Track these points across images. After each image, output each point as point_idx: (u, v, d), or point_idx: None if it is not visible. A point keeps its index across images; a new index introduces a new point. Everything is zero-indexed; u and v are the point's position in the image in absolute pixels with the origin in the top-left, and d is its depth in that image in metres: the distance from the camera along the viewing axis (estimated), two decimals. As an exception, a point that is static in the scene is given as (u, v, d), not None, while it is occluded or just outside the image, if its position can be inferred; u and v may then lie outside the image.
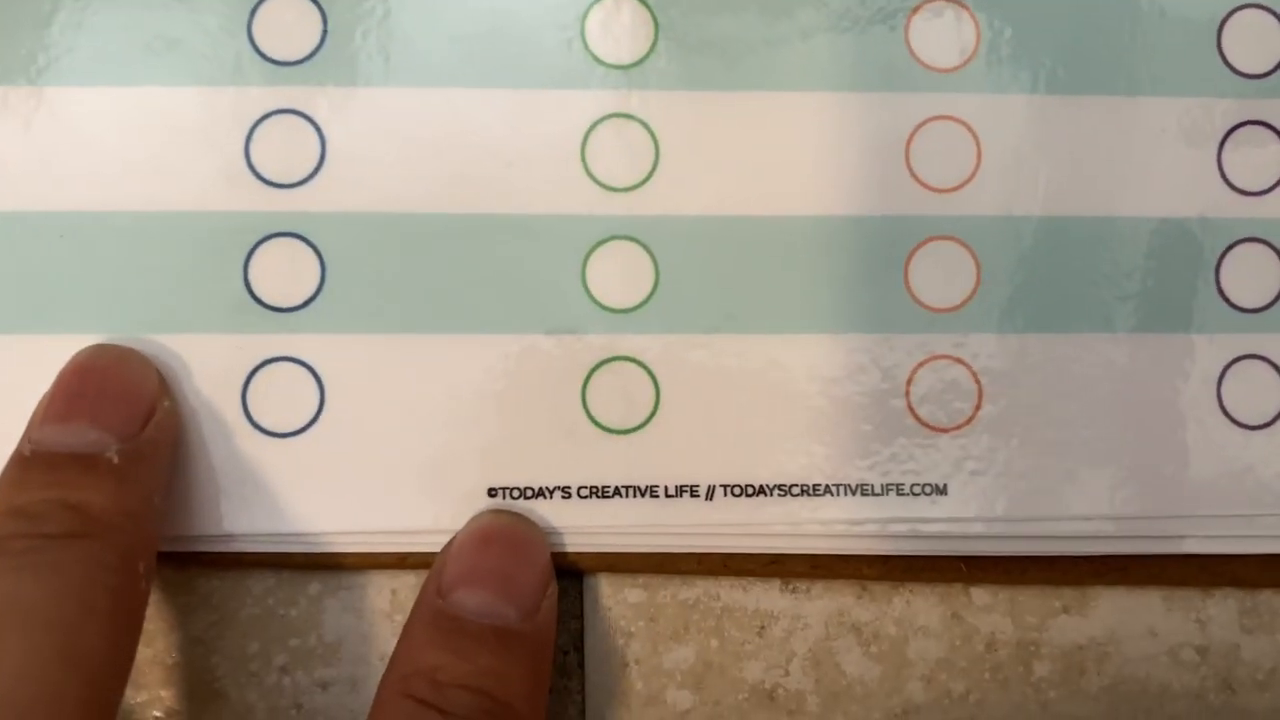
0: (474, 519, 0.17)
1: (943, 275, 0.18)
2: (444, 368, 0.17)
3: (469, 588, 0.16)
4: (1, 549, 0.14)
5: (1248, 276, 0.18)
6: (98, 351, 0.17)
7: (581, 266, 0.18)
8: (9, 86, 0.17)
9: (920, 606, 0.19)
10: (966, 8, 0.18)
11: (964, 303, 0.18)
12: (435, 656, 0.15)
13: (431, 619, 0.16)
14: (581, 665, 0.18)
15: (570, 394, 0.17)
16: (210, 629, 0.18)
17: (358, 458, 0.17)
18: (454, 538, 0.17)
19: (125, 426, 0.16)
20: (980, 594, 0.19)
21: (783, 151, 0.18)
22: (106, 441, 0.15)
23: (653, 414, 0.18)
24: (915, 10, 0.18)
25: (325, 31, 0.18)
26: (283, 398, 0.17)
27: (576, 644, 0.18)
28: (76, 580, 0.14)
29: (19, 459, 0.15)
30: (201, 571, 0.18)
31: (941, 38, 0.18)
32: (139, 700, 0.18)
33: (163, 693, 0.18)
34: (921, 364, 0.18)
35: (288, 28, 0.18)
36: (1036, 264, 0.18)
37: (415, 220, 0.17)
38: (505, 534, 0.17)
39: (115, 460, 0.15)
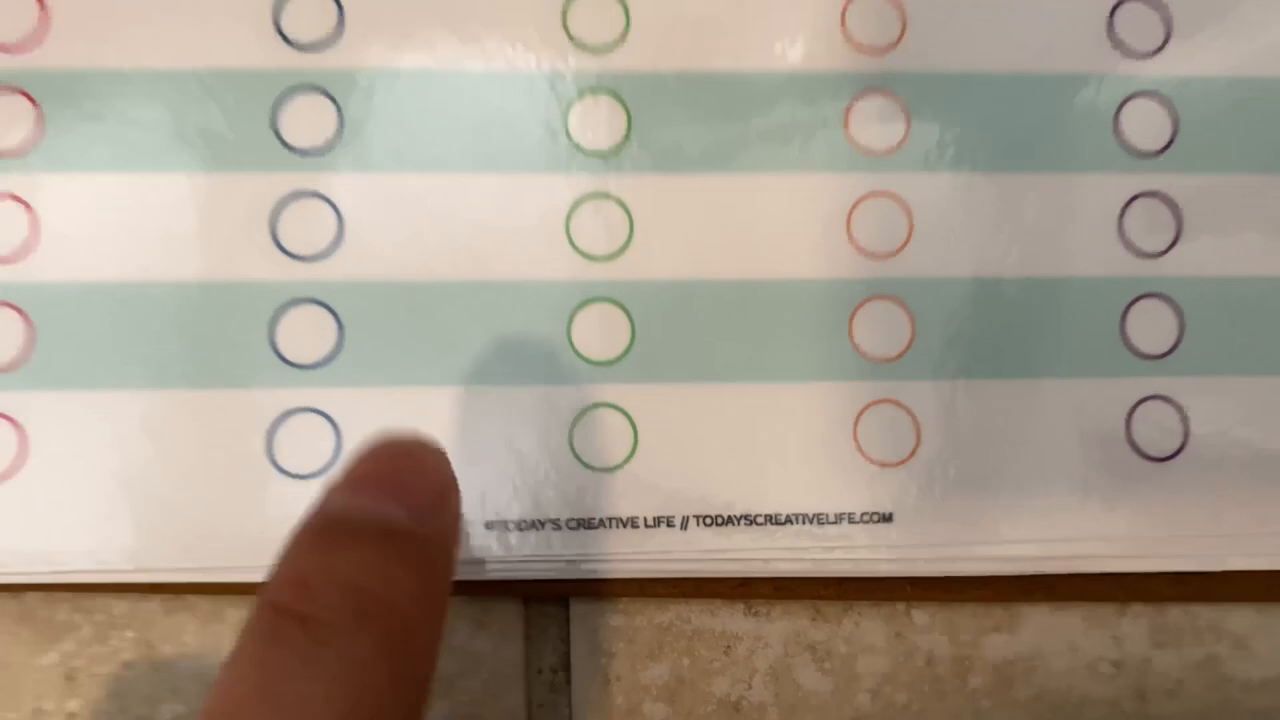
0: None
1: (882, 330, 0.21)
2: (447, 415, 0.20)
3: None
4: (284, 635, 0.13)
5: (1149, 326, 0.21)
6: (395, 437, 0.15)
7: (567, 325, 0.20)
8: (68, 173, 0.20)
9: (867, 627, 0.21)
10: (897, 98, 0.21)
11: (901, 354, 0.21)
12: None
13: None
14: (569, 682, 0.21)
15: (559, 436, 0.20)
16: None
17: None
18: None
19: (428, 510, 0.14)
20: (920, 615, 0.21)
21: (741, 224, 0.20)
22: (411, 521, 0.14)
23: (632, 453, 0.20)
24: (853, 102, 0.21)
25: (341, 124, 0.20)
26: (304, 444, 0.20)
27: (564, 663, 0.21)
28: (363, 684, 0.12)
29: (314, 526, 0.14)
30: (224, 600, 0.20)
31: (875, 126, 0.21)
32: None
33: None
34: (866, 408, 0.20)
35: (308, 121, 0.20)
36: (965, 319, 0.21)
37: (421, 287, 0.20)
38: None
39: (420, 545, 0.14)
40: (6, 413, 0.19)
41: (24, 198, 0.20)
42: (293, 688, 0.12)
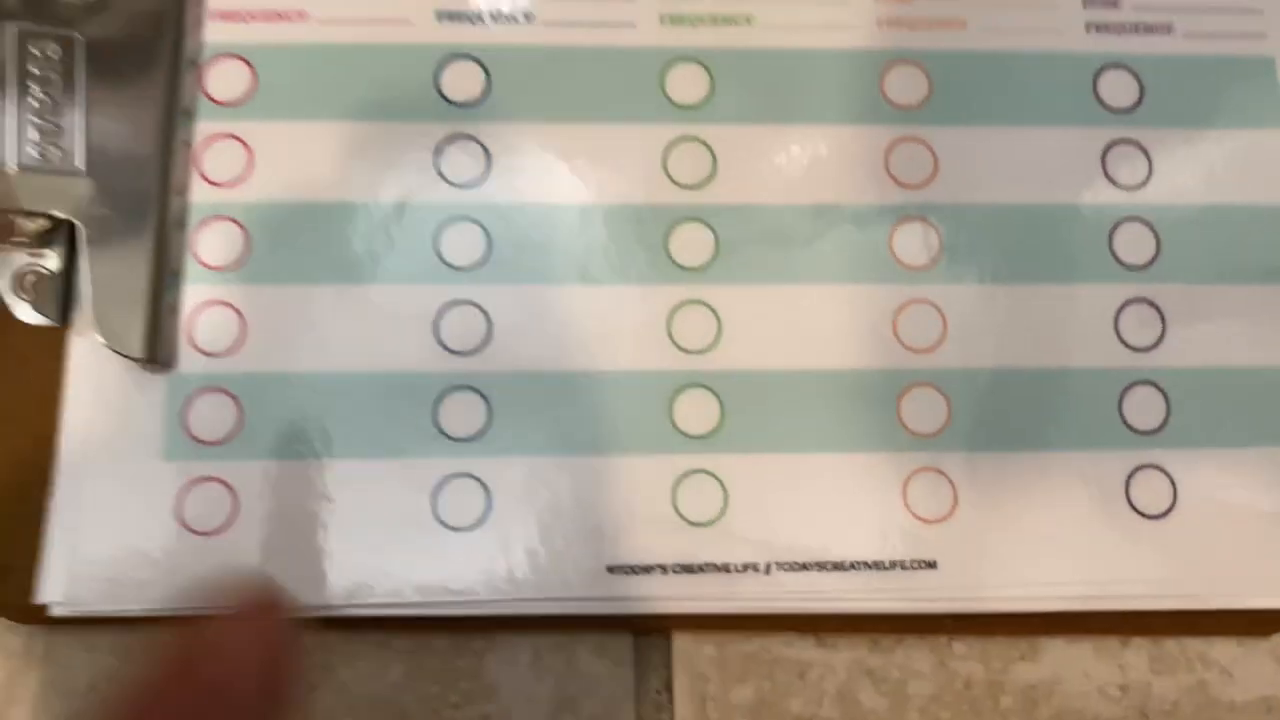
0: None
1: (924, 411, 0.25)
2: (575, 480, 0.24)
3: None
4: None
5: (1142, 407, 0.26)
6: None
7: (669, 406, 0.25)
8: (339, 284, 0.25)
9: (916, 656, 0.25)
10: (932, 224, 0.26)
11: (940, 430, 0.25)
12: None
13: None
14: (672, 701, 0.25)
15: (663, 496, 0.25)
16: (403, 676, 0.25)
17: (509, 546, 0.24)
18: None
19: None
20: (959, 646, 0.25)
21: (809, 325, 0.25)
22: None
23: (724, 511, 0.25)
24: (895, 227, 0.26)
25: (490, 244, 0.25)
26: (461, 502, 0.24)
27: (668, 685, 0.25)
28: None
29: None
30: (394, 633, 0.25)
31: (914, 244, 0.26)
32: (352, 728, 0.24)
33: (369, 723, 0.24)
34: (913, 474, 0.25)
35: (464, 243, 0.25)
36: (991, 402, 0.25)
37: (554, 376, 0.25)
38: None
39: None
40: (221, 477, 0.24)
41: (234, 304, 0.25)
42: None
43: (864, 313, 0.26)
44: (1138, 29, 0.28)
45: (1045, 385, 0.26)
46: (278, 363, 0.24)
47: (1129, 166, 0.27)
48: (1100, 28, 0.27)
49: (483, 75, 0.26)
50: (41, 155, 0.23)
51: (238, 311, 0.25)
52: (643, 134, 0.26)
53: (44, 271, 0.24)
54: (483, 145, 0.26)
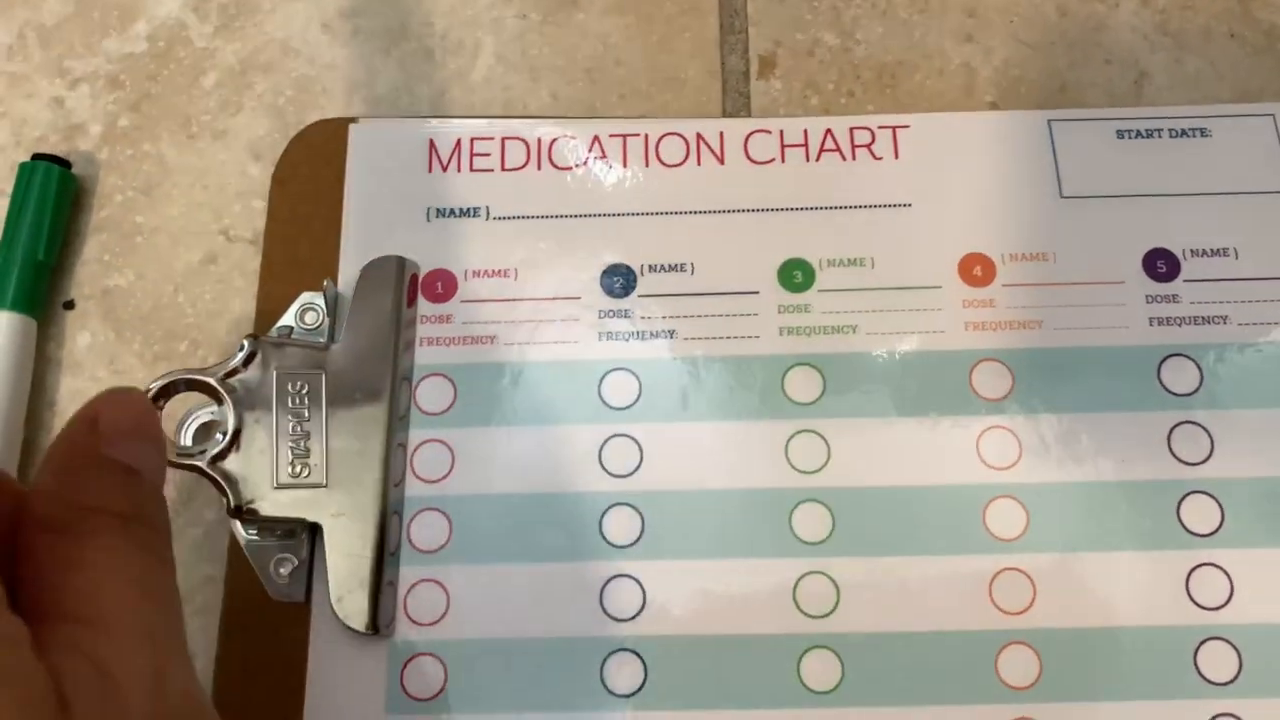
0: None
1: (1019, 666, 0.30)
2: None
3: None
4: None
5: (1214, 661, 0.29)
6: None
7: (796, 667, 0.30)
8: (528, 564, 0.31)
9: None
10: (1018, 500, 0.31)
11: (1033, 684, 0.30)
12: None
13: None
14: None
15: (795, 746, 0.29)
16: None
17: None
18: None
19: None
20: None
21: (917, 592, 0.30)
22: None
23: (845, 758, 0.29)
24: (988, 505, 0.31)
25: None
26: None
27: None
28: None
29: None
30: None
31: (1005, 514, 0.31)
32: None
33: None
34: (1009, 723, 0.29)
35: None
36: (1079, 660, 0.30)
37: (707, 640, 0.30)
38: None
39: None
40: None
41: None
42: None
43: (962, 580, 0.30)
44: (1196, 321, 0.32)
45: (1120, 641, 0.29)
46: (477, 630, 0.30)
47: (1191, 445, 0.31)
48: (1162, 321, 0.32)
49: (636, 384, 0.32)
50: (294, 475, 0.30)
51: (443, 587, 0.31)
52: (768, 428, 0.31)
53: (293, 561, 0.30)
54: (636, 441, 0.31)
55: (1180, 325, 0.32)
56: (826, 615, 0.30)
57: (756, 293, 0.33)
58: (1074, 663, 0.29)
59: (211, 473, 0.29)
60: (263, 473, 0.30)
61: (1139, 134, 0.34)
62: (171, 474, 0.31)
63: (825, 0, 0.37)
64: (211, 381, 0.30)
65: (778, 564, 0.30)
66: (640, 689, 0.30)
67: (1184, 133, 0.34)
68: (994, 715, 0.29)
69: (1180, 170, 0.33)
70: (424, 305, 0.33)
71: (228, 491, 0.29)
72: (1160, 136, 0.34)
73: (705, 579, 0.30)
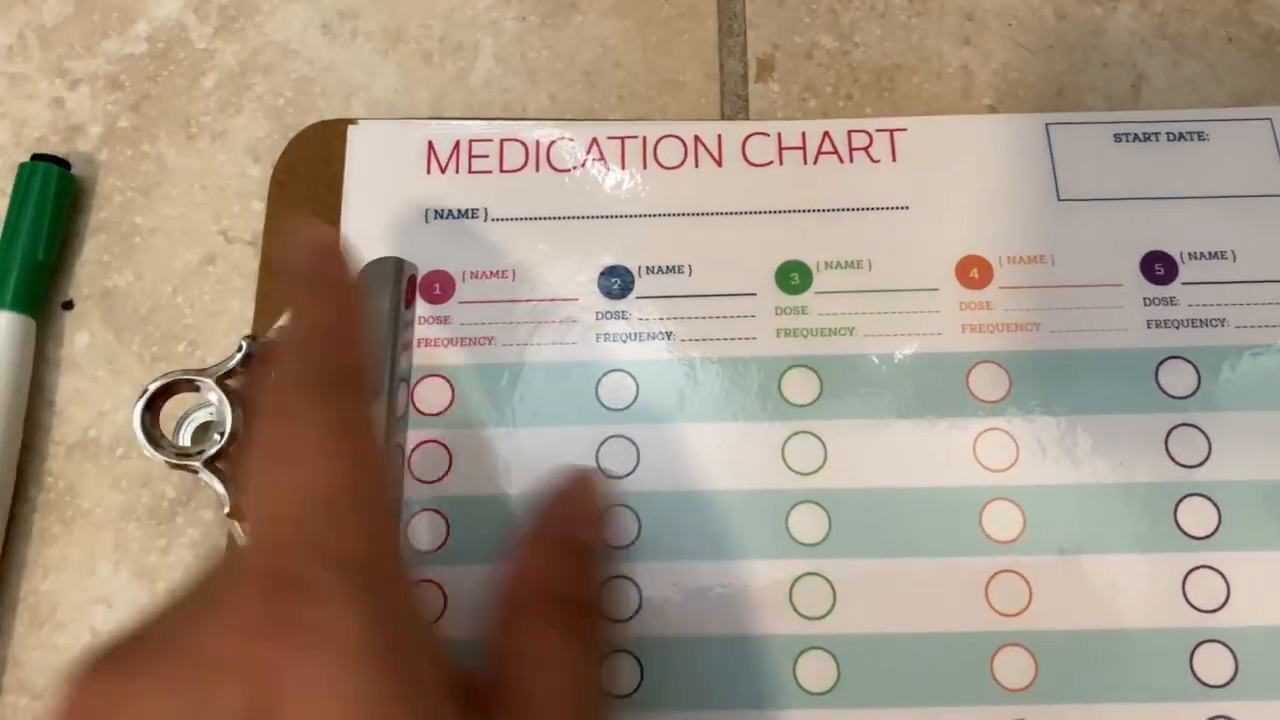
0: None
1: (1014, 668, 0.30)
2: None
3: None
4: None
5: (1209, 664, 0.29)
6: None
7: (793, 667, 0.30)
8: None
9: None
10: (1014, 502, 0.31)
11: (1029, 685, 0.30)
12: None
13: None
14: None
15: (791, 747, 0.29)
16: None
17: None
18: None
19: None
20: None
21: (913, 594, 0.30)
22: None
23: (842, 759, 0.29)
24: (984, 507, 0.31)
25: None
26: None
27: None
28: None
29: None
30: None
31: (1001, 518, 0.31)
32: None
33: None
34: (1005, 724, 0.29)
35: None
36: (1073, 661, 0.30)
37: (700, 640, 0.30)
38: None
39: None
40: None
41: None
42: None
43: (958, 582, 0.30)
44: (1194, 324, 0.32)
45: (1117, 643, 0.29)
46: (474, 631, 0.30)
47: (1189, 447, 0.31)
48: (1159, 324, 0.32)
49: (633, 385, 0.32)
50: (294, 473, 0.30)
51: (440, 588, 0.31)
52: (765, 430, 0.31)
53: (291, 559, 0.30)
54: (633, 442, 0.31)
55: (1178, 328, 0.32)
56: (823, 616, 0.30)
57: (754, 294, 0.33)
58: (1070, 664, 0.29)
59: (210, 473, 0.29)
60: (260, 473, 0.30)
61: (1137, 137, 0.34)
62: (169, 474, 0.32)
63: (823, 3, 0.37)
64: (210, 382, 0.30)
65: (774, 565, 0.30)
66: (637, 689, 0.30)
67: (1182, 136, 0.34)
68: (990, 716, 0.29)
69: (1178, 173, 0.34)
70: (422, 306, 0.33)
71: (225, 492, 0.29)
72: (1158, 140, 0.34)
73: (702, 580, 0.30)
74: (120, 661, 0.19)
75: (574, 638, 0.25)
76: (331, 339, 0.24)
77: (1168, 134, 0.34)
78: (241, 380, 0.30)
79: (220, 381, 0.30)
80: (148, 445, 0.29)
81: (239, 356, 0.30)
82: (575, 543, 0.28)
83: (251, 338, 0.30)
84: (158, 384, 0.30)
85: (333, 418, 0.22)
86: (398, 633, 0.20)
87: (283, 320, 0.32)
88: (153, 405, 0.29)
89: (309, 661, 0.18)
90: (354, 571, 0.20)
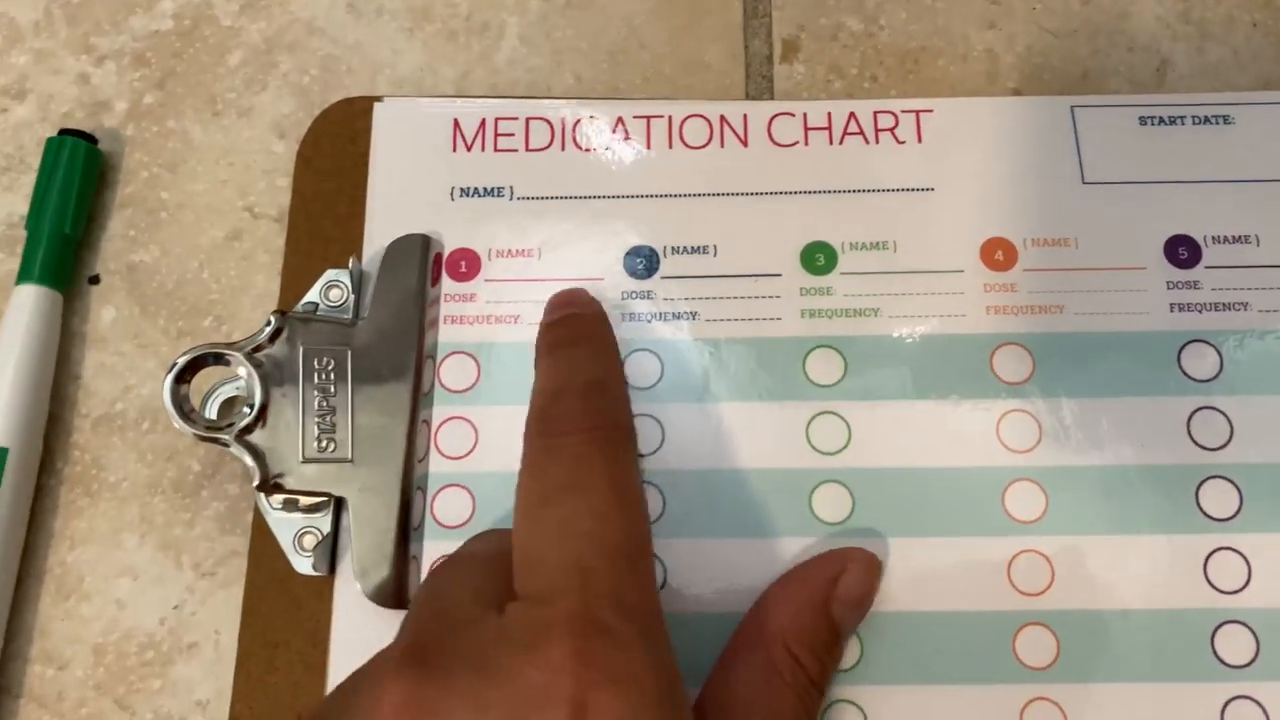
0: None
1: (1035, 649, 0.30)
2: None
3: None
4: None
5: (1231, 644, 0.30)
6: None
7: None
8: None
9: None
10: (1039, 485, 0.31)
11: (1050, 664, 0.30)
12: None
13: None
14: None
15: (814, 723, 0.29)
16: None
17: None
18: None
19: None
20: None
21: (933, 570, 0.30)
22: None
23: (864, 736, 0.29)
24: (1007, 487, 0.31)
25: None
26: None
27: None
28: None
29: None
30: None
31: (1024, 501, 0.31)
32: None
33: None
34: (1028, 704, 0.29)
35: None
36: (1096, 641, 0.30)
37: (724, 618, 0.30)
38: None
39: None
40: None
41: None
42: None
43: (981, 562, 0.30)
44: (1217, 307, 0.32)
45: (1149, 623, 0.30)
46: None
47: (1211, 430, 0.31)
48: (1183, 307, 0.32)
49: (658, 364, 0.32)
50: (320, 449, 0.30)
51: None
52: (789, 410, 0.32)
53: (317, 533, 0.31)
54: (658, 421, 0.32)
55: (1201, 311, 0.32)
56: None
57: (779, 275, 0.33)
58: (1092, 644, 0.30)
59: (240, 446, 0.29)
60: (290, 447, 0.30)
61: (1162, 120, 0.34)
62: (194, 448, 0.32)
63: (849, -15, 0.37)
64: (240, 355, 0.30)
65: (797, 543, 0.30)
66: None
67: (1207, 120, 0.34)
68: (1011, 695, 0.29)
69: (1203, 157, 0.34)
70: (448, 284, 0.33)
71: (255, 465, 0.29)
72: (1183, 123, 0.34)
73: (725, 557, 0.31)
74: (433, 672, 0.22)
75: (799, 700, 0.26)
76: (610, 396, 0.28)
77: (1193, 117, 0.34)
78: (270, 354, 0.30)
79: (250, 355, 0.30)
80: (178, 417, 0.29)
81: (268, 331, 0.30)
82: (830, 617, 0.28)
83: (280, 313, 0.31)
84: (188, 356, 0.30)
85: (618, 473, 0.26)
86: (674, 682, 0.23)
87: (309, 295, 0.32)
88: (182, 378, 0.30)
89: (615, 700, 0.21)
90: (643, 623, 0.23)
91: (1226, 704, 0.29)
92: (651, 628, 0.23)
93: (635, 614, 0.23)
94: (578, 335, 0.30)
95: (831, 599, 0.28)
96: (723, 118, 0.35)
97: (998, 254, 0.33)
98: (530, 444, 0.27)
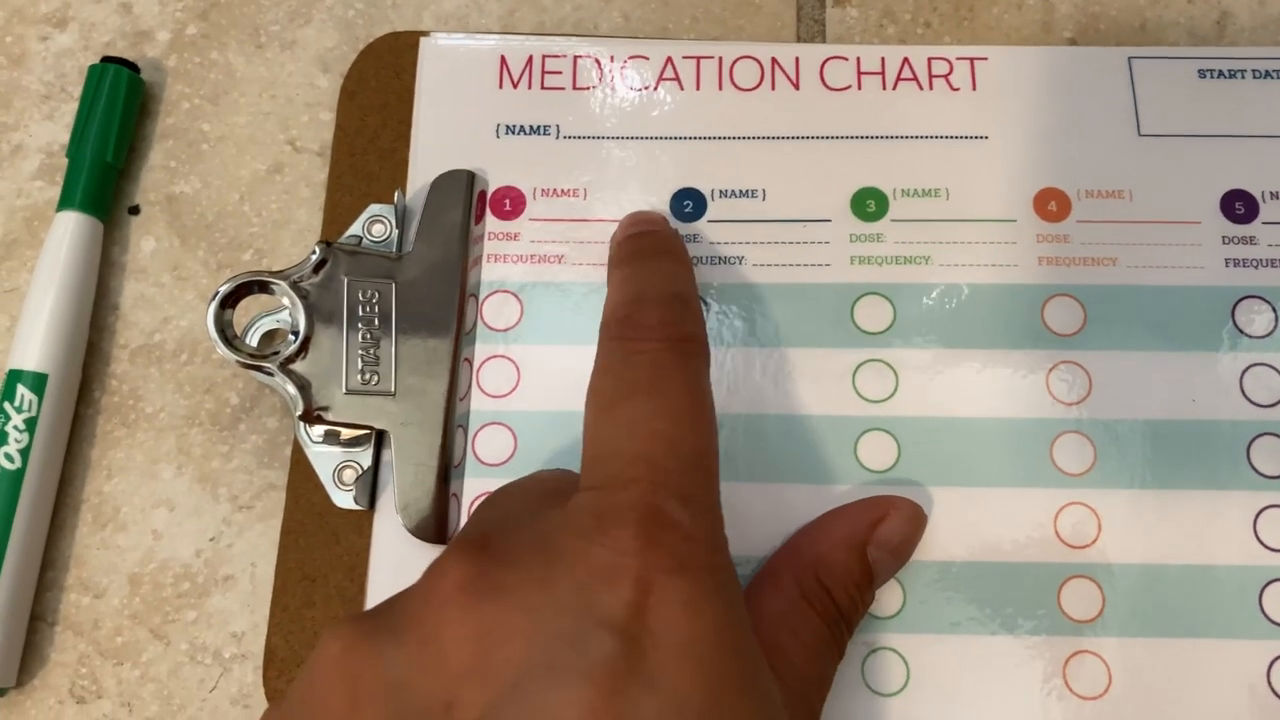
0: None
1: (1080, 601, 0.29)
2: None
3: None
4: None
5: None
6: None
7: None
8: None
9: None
10: (1087, 436, 0.30)
11: (1095, 617, 0.29)
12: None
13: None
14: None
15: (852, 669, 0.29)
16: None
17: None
18: None
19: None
20: (1116, 809, 0.29)
21: (979, 521, 0.30)
22: None
23: (905, 686, 0.29)
24: (1055, 440, 0.30)
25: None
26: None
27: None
28: None
29: None
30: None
31: (1071, 454, 0.30)
32: None
33: None
34: (1071, 656, 0.29)
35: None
36: (1142, 595, 0.29)
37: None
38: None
39: None
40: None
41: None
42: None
43: (1027, 513, 0.30)
44: (1273, 263, 0.32)
45: (1189, 580, 0.29)
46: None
47: (1264, 387, 0.31)
48: (1238, 263, 0.32)
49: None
50: (363, 382, 0.30)
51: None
52: (836, 356, 0.31)
53: (357, 467, 0.30)
54: (703, 364, 0.31)
55: (1257, 267, 0.32)
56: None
57: (829, 221, 0.32)
58: (1138, 599, 0.29)
59: (283, 375, 0.29)
60: (332, 378, 0.30)
61: (1222, 74, 0.33)
62: (233, 380, 0.32)
63: (904, -70, 0.36)
64: (284, 285, 0.29)
65: (841, 490, 0.30)
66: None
67: (1269, 74, 0.33)
68: (1054, 647, 0.29)
69: (1263, 112, 0.33)
70: (491, 222, 0.33)
71: (299, 394, 0.29)
72: (1243, 77, 0.33)
73: (771, 503, 0.30)
74: (495, 553, 0.22)
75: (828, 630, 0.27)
76: (690, 310, 0.27)
77: (1254, 71, 0.33)
78: (314, 284, 0.30)
79: (294, 285, 0.30)
80: (222, 343, 0.29)
81: (313, 260, 0.30)
82: (865, 558, 0.28)
83: (325, 243, 0.30)
84: (231, 284, 0.29)
85: (694, 384, 0.25)
86: (734, 581, 0.23)
87: (353, 229, 0.31)
88: (225, 306, 0.29)
89: (679, 584, 0.21)
90: (709, 523, 0.23)
91: (1273, 662, 0.29)
92: (715, 529, 0.23)
93: (702, 513, 0.23)
94: (659, 249, 0.30)
95: (870, 541, 0.28)
96: (774, 60, 0.34)
97: (1051, 204, 0.32)
98: (605, 348, 0.27)
